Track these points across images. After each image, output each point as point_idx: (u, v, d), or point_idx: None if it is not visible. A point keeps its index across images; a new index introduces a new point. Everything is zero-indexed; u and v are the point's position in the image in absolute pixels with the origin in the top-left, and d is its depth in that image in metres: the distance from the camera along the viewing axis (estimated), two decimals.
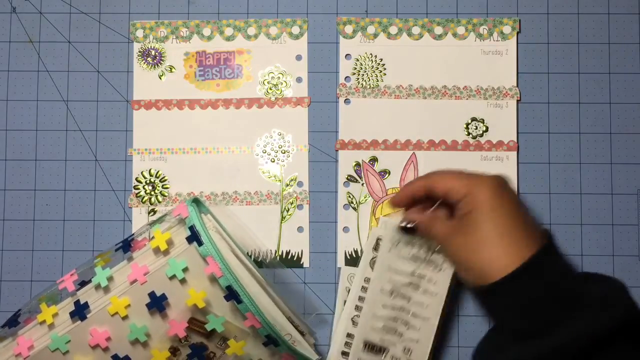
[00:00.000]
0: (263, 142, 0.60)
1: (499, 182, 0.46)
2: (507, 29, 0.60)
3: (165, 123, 0.60)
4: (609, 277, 0.46)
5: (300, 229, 0.59)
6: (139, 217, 0.60)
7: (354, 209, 0.59)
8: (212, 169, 0.60)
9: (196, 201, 0.49)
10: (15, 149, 0.61)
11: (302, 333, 0.51)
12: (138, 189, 0.60)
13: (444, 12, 0.61)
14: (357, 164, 0.60)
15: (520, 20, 0.60)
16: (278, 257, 0.59)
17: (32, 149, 0.60)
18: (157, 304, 0.44)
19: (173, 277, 0.44)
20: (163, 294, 0.44)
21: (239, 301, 0.43)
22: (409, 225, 0.51)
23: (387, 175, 0.60)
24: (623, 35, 0.60)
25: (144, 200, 0.60)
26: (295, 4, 0.61)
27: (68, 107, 0.61)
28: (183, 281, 0.44)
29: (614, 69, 0.60)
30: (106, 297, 0.45)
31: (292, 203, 0.59)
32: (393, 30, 0.61)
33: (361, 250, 0.59)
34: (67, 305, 0.46)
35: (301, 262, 0.59)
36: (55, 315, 0.46)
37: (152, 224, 0.49)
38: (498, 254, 0.44)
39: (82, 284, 0.47)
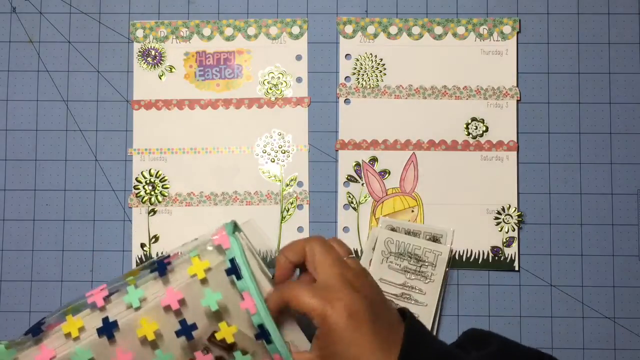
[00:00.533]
0: (263, 142, 0.60)
1: (355, 306, 0.42)
2: (507, 29, 0.60)
3: (165, 123, 0.60)
4: (488, 338, 0.46)
5: (300, 229, 0.59)
6: (139, 217, 0.60)
7: (354, 209, 0.59)
8: (212, 169, 0.60)
9: (236, 228, 0.48)
10: (15, 149, 0.61)
11: None
12: (138, 189, 0.60)
13: (444, 12, 0.61)
14: (357, 164, 0.60)
15: (520, 20, 0.60)
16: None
17: (32, 149, 0.61)
18: (187, 332, 0.44)
19: (207, 307, 0.44)
20: (194, 324, 0.44)
21: (269, 342, 0.43)
22: None
23: (387, 175, 0.60)
24: (623, 35, 0.60)
25: (144, 200, 0.60)
26: (295, 4, 0.61)
27: (68, 107, 0.61)
28: (217, 313, 0.44)
29: (614, 69, 0.60)
30: (136, 317, 0.45)
31: (292, 203, 0.59)
32: (393, 30, 0.61)
33: (361, 250, 0.59)
34: (95, 320, 0.45)
35: None
36: (81, 328, 0.45)
37: (187, 246, 0.48)
38: None
39: (112, 297, 0.46)
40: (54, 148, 0.60)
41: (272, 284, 0.47)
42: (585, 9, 0.61)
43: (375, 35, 0.61)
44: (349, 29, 0.61)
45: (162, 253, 0.59)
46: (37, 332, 0.46)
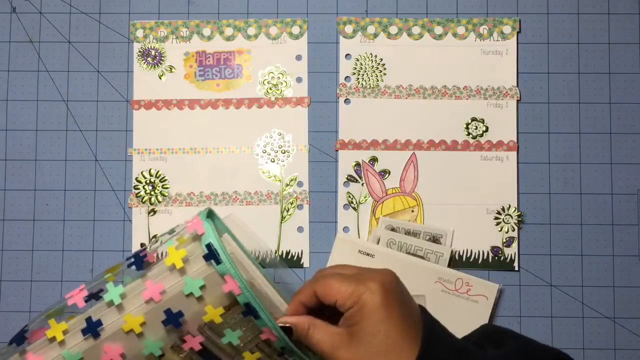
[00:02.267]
0: (263, 142, 0.60)
1: (387, 286, 0.43)
2: (507, 29, 0.60)
3: (165, 123, 0.60)
4: (504, 335, 0.46)
5: (300, 229, 0.59)
6: (139, 217, 0.60)
7: (354, 209, 0.59)
8: (212, 169, 0.60)
9: (210, 214, 0.48)
10: (15, 149, 0.61)
11: None
12: (138, 189, 0.60)
13: (444, 12, 0.61)
14: (357, 164, 0.60)
15: (520, 20, 0.60)
16: (278, 257, 0.59)
17: (32, 149, 0.60)
18: (174, 321, 0.44)
19: (190, 294, 0.44)
20: (180, 311, 0.44)
21: (257, 317, 0.43)
22: (286, 325, 0.45)
23: (387, 175, 0.60)
24: (623, 35, 0.60)
25: (144, 200, 0.60)
26: (295, 4, 0.61)
27: (68, 107, 0.61)
28: (200, 298, 0.44)
29: (614, 69, 0.60)
30: (120, 315, 0.45)
31: (292, 203, 0.59)
32: (393, 30, 0.61)
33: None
34: (78, 322, 0.45)
35: (301, 262, 0.59)
36: (65, 332, 0.45)
37: (164, 237, 0.48)
38: None
39: (92, 298, 0.46)
40: (54, 148, 0.60)
41: (259, 269, 0.47)
42: (585, 9, 0.61)
43: (375, 35, 0.61)
44: (349, 29, 0.61)
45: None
46: (20, 340, 0.46)
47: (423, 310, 0.45)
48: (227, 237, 0.51)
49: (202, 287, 0.44)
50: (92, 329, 0.44)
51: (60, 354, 0.44)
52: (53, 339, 0.45)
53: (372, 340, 0.42)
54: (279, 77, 0.61)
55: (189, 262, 0.45)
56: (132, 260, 0.47)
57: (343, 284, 0.43)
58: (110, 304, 0.45)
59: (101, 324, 0.44)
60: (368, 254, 0.57)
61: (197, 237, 0.45)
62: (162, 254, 0.47)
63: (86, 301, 0.46)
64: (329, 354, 0.43)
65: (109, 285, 0.46)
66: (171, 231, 0.49)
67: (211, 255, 0.43)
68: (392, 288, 0.43)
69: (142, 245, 0.59)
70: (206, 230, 0.44)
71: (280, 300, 0.48)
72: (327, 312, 0.45)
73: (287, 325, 0.45)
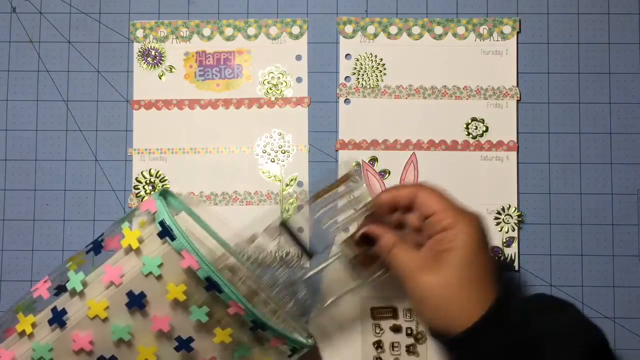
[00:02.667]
0: (263, 142, 0.60)
1: (479, 223, 0.43)
2: (507, 29, 0.60)
3: (165, 123, 0.60)
4: (565, 306, 0.45)
5: (300, 230, 0.59)
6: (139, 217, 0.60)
7: (354, 209, 0.59)
8: (212, 169, 0.60)
9: (164, 194, 0.48)
10: (15, 149, 0.61)
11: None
12: (138, 189, 0.60)
13: (444, 12, 0.61)
14: (357, 164, 0.60)
15: (520, 20, 0.60)
16: (278, 258, 0.59)
17: (32, 149, 0.61)
18: (137, 302, 0.44)
19: (149, 274, 0.44)
20: (141, 292, 0.44)
21: (220, 290, 0.43)
22: (368, 236, 0.45)
23: (387, 175, 0.60)
24: (623, 35, 0.60)
25: (144, 200, 0.60)
26: (295, 4, 0.61)
27: (68, 107, 0.61)
28: (160, 277, 0.44)
29: (614, 69, 0.60)
30: (83, 301, 0.45)
31: (292, 203, 0.59)
32: (393, 30, 0.61)
33: None
34: (45, 313, 0.46)
35: (301, 262, 0.59)
36: (33, 324, 0.45)
37: (121, 221, 0.48)
38: (468, 304, 0.41)
39: (58, 289, 0.47)
40: (54, 148, 0.60)
41: (223, 244, 0.48)
42: (585, 9, 0.61)
43: (375, 35, 0.61)
44: (349, 29, 0.61)
45: None
46: None
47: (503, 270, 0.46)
48: (184, 214, 0.50)
49: (160, 266, 0.44)
50: (58, 318, 0.44)
51: (30, 346, 0.44)
52: (22, 333, 0.45)
53: (464, 269, 0.41)
54: (279, 77, 0.61)
55: (145, 241, 0.45)
56: (90, 246, 0.47)
57: (447, 201, 0.43)
58: (73, 291, 0.45)
59: (66, 313, 0.44)
60: None
61: (150, 216, 0.45)
62: (116, 235, 0.47)
63: (51, 292, 0.46)
64: (411, 276, 0.42)
65: (71, 274, 0.46)
66: (129, 214, 0.49)
67: (165, 232, 0.43)
68: (484, 226, 0.44)
69: None
70: (158, 208, 0.44)
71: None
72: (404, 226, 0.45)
73: (371, 234, 0.44)
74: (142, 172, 0.60)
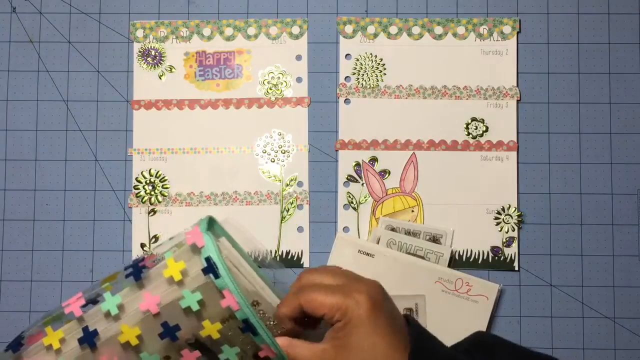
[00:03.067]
0: (263, 142, 0.60)
1: (374, 297, 0.43)
2: (507, 29, 0.60)
3: (165, 123, 0.60)
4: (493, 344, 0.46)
5: (300, 229, 0.59)
6: (139, 217, 0.60)
7: (354, 209, 0.59)
8: (212, 169, 0.60)
9: (210, 224, 0.48)
10: (15, 149, 0.61)
11: None
12: (138, 189, 0.60)
13: (444, 12, 0.61)
14: (357, 164, 0.60)
15: (520, 20, 0.60)
16: (278, 257, 0.59)
17: (32, 149, 0.61)
18: (170, 334, 0.43)
19: (188, 308, 0.43)
20: (177, 325, 0.44)
21: (256, 334, 0.43)
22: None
23: (387, 175, 0.60)
24: (623, 35, 0.60)
25: (144, 200, 0.60)
26: (295, 4, 0.61)
27: (68, 107, 0.61)
28: (197, 312, 0.44)
29: (614, 69, 0.60)
30: (116, 325, 0.44)
31: (292, 203, 0.59)
32: (393, 30, 0.61)
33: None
34: (75, 330, 0.45)
35: (301, 262, 0.59)
36: (62, 340, 0.45)
37: (163, 245, 0.47)
38: None
39: (89, 306, 0.46)
40: (54, 148, 0.60)
41: (257, 271, 0.47)
42: (585, 9, 0.61)
43: (375, 35, 0.61)
44: (349, 29, 0.61)
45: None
46: (16, 347, 0.45)
47: (410, 319, 0.45)
48: (224, 240, 0.50)
49: (199, 302, 0.43)
50: (89, 338, 0.44)
51: None
52: (50, 347, 0.44)
53: (359, 354, 0.41)
54: (279, 77, 0.61)
55: (188, 274, 0.44)
56: (131, 270, 0.46)
57: (328, 297, 0.43)
58: (107, 314, 0.44)
59: (97, 334, 0.44)
60: (368, 254, 0.57)
61: (196, 249, 0.45)
62: (160, 261, 0.46)
63: (83, 310, 0.45)
64: None
65: (107, 295, 0.45)
66: (172, 241, 0.48)
67: (210, 269, 0.43)
68: (379, 299, 0.43)
69: (142, 245, 0.59)
70: (206, 243, 0.44)
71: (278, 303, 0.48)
72: (312, 319, 0.44)
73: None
74: (142, 172, 0.60)
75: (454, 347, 0.49)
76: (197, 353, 0.44)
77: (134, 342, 0.43)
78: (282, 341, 0.44)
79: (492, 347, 0.47)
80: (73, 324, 0.45)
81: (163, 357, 0.44)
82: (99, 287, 0.47)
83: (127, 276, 0.46)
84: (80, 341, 0.44)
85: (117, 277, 0.47)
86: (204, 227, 0.46)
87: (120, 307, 0.45)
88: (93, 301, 0.45)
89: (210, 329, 0.43)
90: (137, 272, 0.46)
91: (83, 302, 0.46)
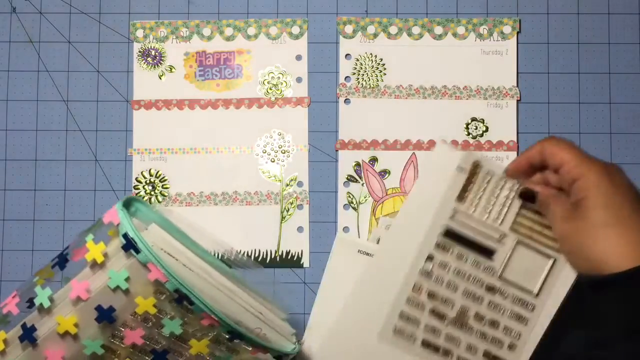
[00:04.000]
0: (263, 142, 0.60)
1: (612, 169, 0.45)
2: (507, 29, 0.60)
3: (165, 123, 0.60)
4: None
5: (300, 229, 0.59)
6: None
7: (354, 209, 0.59)
8: (212, 169, 0.60)
9: (127, 203, 0.47)
10: (15, 149, 0.61)
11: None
12: (138, 189, 0.60)
13: (444, 12, 0.61)
14: (357, 164, 0.60)
15: (520, 20, 0.60)
16: (278, 258, 0.59)
17: (32, 149, 0.61)
18: (106, 316, 0.43)
19: (117, 288, 0.43)
20: (110, 306, 0.43)
21: (191, 302, 0.43)
22: (531, 192, 0.49)
23: (387, 175, 0.60)
24: (623, 35, 0.60)
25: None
26: (295, 4, 0.61)
27: (68, 107, 0.61)
28: (128, 291, 0.43)
29: (614, 69, 0.60)
30: (51, 318, 0.44)
31: (292, 203, 0.59)
32: (393, 30, 0.61)
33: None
34: (16, 329, 0.45)
35: (301, 262, 0.59)
36: (5, 341, 0.45)
37: (85, 232, 0.47)
38: (614, 244, 0.42)
39: (28, 304, 0.46)
40: (54, 148, 0.60)
41: (203, 258, 0.47)
42: (585, 9, 0.61)
43: (375, 35, 0.61)
44: (349, 29, 0.61)
45: None
46: None
47: None
48: (154, 226, 0.49)
49: (127, 279, 0.43)
50: (28, 335, 0.44)
51: None
52: None
53: (597, 213, 0.43)
54: (279, 77, 0.61)
55: (110, 254, 0.44)
56: (56, 260, 0.46)
57: (573, 150, 0.45)
58: (41, 307, 0.44)
59: (35, 329, 0.44)
60: (368, 254, 0.57)
61: (113, 227, 0.44)
62: (81, 245, 0.46)
63: (20, 307, 0.45)
64: (558, 224, 0.46)
65: (38, 289, 0.45)
66: (93, 226, 0.48)
67: (129, 245, 0.42)
68: (616, 172, 0.45)
69: None
70: (121, 219, 0.43)
71: (229, 285, 0.48)
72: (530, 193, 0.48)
73: (529, 190, 0.48)
74: (142, 172, 0.60)
75: None
76: (140, 331, 0.44)
77: (73, 330, 0.43)
78: (548, 189, 0.48)
79: None
80: (13, 323, 0.45)
81: (107, 339, 0.44)
82: (31, 281, 0.47)
83: (52, 267, 0.46)
84: (21, 339, 0.44)
85: (46, 270, 0.48)
86: (119, 205, 0.45)
87: (52, 300, 0.44)
88: (27, 297, 0.45)
89: (145, 304, 0.43)
90: (62, 261, 0.46)
91: (18, 300, 0.46)
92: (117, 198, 0.60)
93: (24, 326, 0.44)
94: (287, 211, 0.59)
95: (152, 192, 0.60)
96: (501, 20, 0.60)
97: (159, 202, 0.60)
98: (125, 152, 0.60)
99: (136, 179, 0.60)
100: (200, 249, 0.54)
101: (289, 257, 0.59)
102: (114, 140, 0.60)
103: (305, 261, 0.59)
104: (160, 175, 0.60)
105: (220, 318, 0.43)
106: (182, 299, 0.43)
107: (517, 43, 0.60)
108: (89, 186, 0.60)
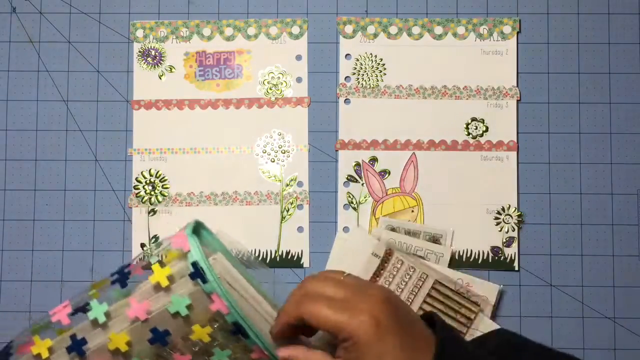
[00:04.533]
0: (263, 142, 0.60)
1: (379, 314, 0.40)
2: (507, 29, 0.60)
3: (165, 123, 0.60)
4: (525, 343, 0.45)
5: (300, 229, 0.59)
6: (139, 217, 0.60)
7: (354, 209, 0.59)
8: (212, 169, 0.60)
9: (196, 229, 0.47)
10: (15, 149, 0.61)
11: None
12: (138, 189, 0.60)
13: (444, 12, 0.61)
14: (357, 164, 0.60)
15: (520, 20, 0.60)
16: (278, 258, 0.59)
17: (32, 149, 0.61)
18: (160, 339, 0.43)
19: (176, 313, 0.43)
20: (166, 330, 0.43)
21: (246, 336, 0.43)
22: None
23: (387, 175, 0.60)
24: (623, 35, 0.60)
25: (144, 200, 0.60)
26: (295, 4, 0.61)
27: (68, 107, 0.61)
28: (186, 317, 0.43)
29: (614, 69, 0.60)
30: (104, 333, 0.44)
31: (292, 203, 0.59)
32: (393, 30, 0.61)
33: None
34: (64, 339, 0.44)
35: (301, 262, 0.59)
36: (50, 349, 0.44)
37: (149, 252, 0.47)
38: None
39: (76, 314, 0.45)
40: (54, 148, 0.60)
41: (251, 284, 0.47)
42: (585, 9, 0.61)
43: (375, 35, 0.61)
44: (349, 29, 0.61)
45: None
46: (5, 356, 0.45)
47: (436, 319, 0.42)
48: (220, 256, 0.48)
49: (188, 306, 0.43)
50: (77, 347, 0.43)
51: None
52: (38, 356, 0.44)
53: None
54: (279, 77, 0.61)
55: (175, 279, 0.44)
56: (117, 277, 0.46)
57: (331, 313, 0.40)
58: (95, 322, 0.44)
59: (86, 342, 0.44)
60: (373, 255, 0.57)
61: (182, 254, 0.44)
62: (146, 267, 0.45)
63: (71, 318, 0.45)
64: None
65: (93, 303, 0.44)
66: (158, 244, 0.48)
67: (197, 274, 0.42)
68: (385, 315, 0.40)
69: (142, 245, 0.59)
70: (191, 247, 0.43)
71: (274, 314, 0.48)
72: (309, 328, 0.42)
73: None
74: (142, 172, 0.60)
75: (479, 344, 0.48)
76: (189, 356, 0.44)
77: (124, 348, 0.43)
78: (297, 351, 0.43)
79: (520, 348, 0.45)
80: (61, 332, 0.45)
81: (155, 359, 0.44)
82: (86, 294, 0.47)
83: (112, 283, 0.46)
84: (69, 350, 0.44)
85: (104, 284, 0.47)
86: (189, 231, 0.45)
87: (108, 315, 0.44)
88: (81, 309, 0.45)
89: (201, 332, 0.43)
90: (124, 278, 0.46)
91: (70, 310, 0.45)
92: (117, 198, 0.60)
93: (73, 337, 0.44)
94: (287, 211, 0.59)
95: (152, 192, 0.60)
96: (501, 20, 0.60)
97: (159, 202, 0.60)
98: (125, 152, 0.60)
99: (136, 179, 0.60)
100: (247, 274, 0.53)
101: (289, 257, 0.59)
102: (114, 140, 0.60)
103: (305, 261, 0.59)
104: (160, 175, 0.60)
105: (271, 353, 0.43)
106: (237, 331, 0.43)
107: (517, 43, 0.60)
108: (89, 186, 0.60)
